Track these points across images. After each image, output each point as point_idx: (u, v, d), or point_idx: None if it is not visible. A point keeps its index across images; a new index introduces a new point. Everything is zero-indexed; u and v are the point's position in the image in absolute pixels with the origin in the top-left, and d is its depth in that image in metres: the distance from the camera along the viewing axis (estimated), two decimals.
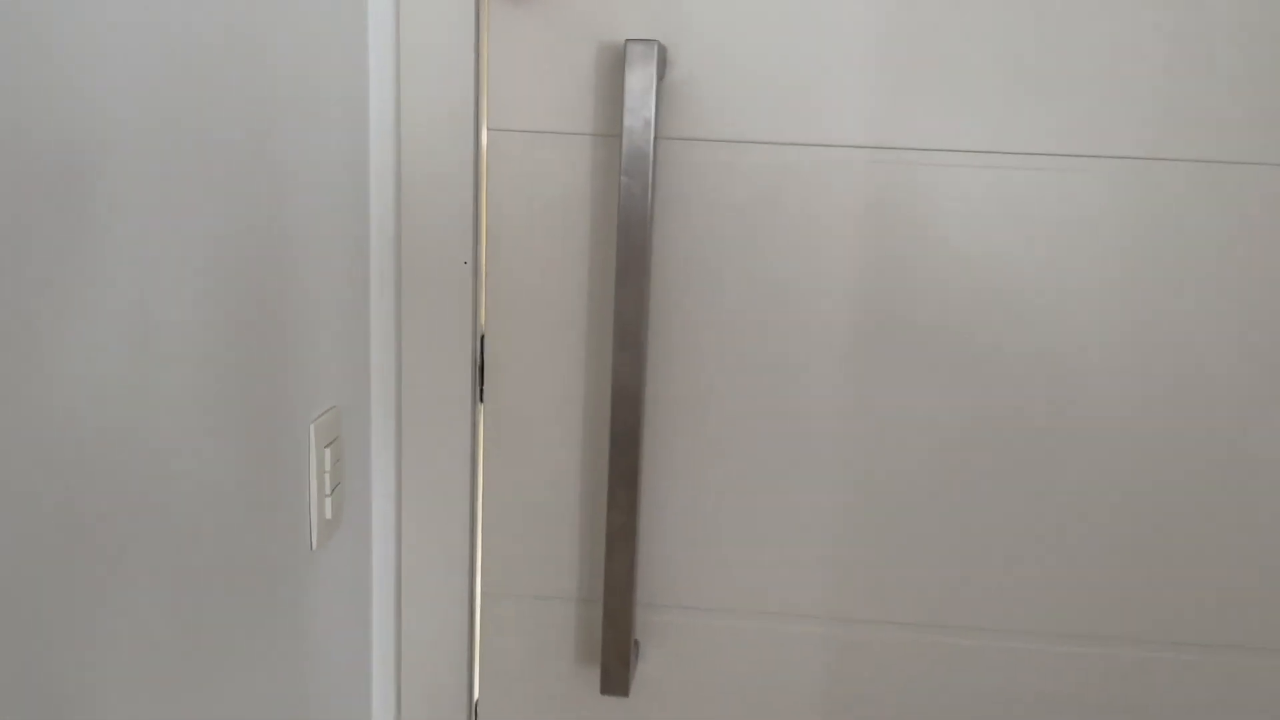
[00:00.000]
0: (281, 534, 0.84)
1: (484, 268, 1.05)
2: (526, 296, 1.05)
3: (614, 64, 1.00)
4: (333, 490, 0.93)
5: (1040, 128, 0.98)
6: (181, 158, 0.65)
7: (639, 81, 0.94)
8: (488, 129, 1.02)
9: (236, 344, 0.74)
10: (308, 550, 0.90)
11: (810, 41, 0.98)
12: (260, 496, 0.80)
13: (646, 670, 1.13)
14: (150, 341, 0.62)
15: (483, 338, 1.07)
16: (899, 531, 1.07)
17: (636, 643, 1.11)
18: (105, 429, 0.58)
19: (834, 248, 1.02)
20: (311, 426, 0.89)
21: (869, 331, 1.03)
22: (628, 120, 0.95)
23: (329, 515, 0.93)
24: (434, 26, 0.99)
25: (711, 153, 1.01)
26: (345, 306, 0.97)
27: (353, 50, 0.95)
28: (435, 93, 1.00)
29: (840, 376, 1.04)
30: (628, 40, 0.94)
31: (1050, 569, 1.07)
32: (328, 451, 0.91)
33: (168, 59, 0.62)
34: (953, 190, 1.00)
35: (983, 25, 0.97)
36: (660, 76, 0.96)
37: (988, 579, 1.07)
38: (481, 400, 1.09)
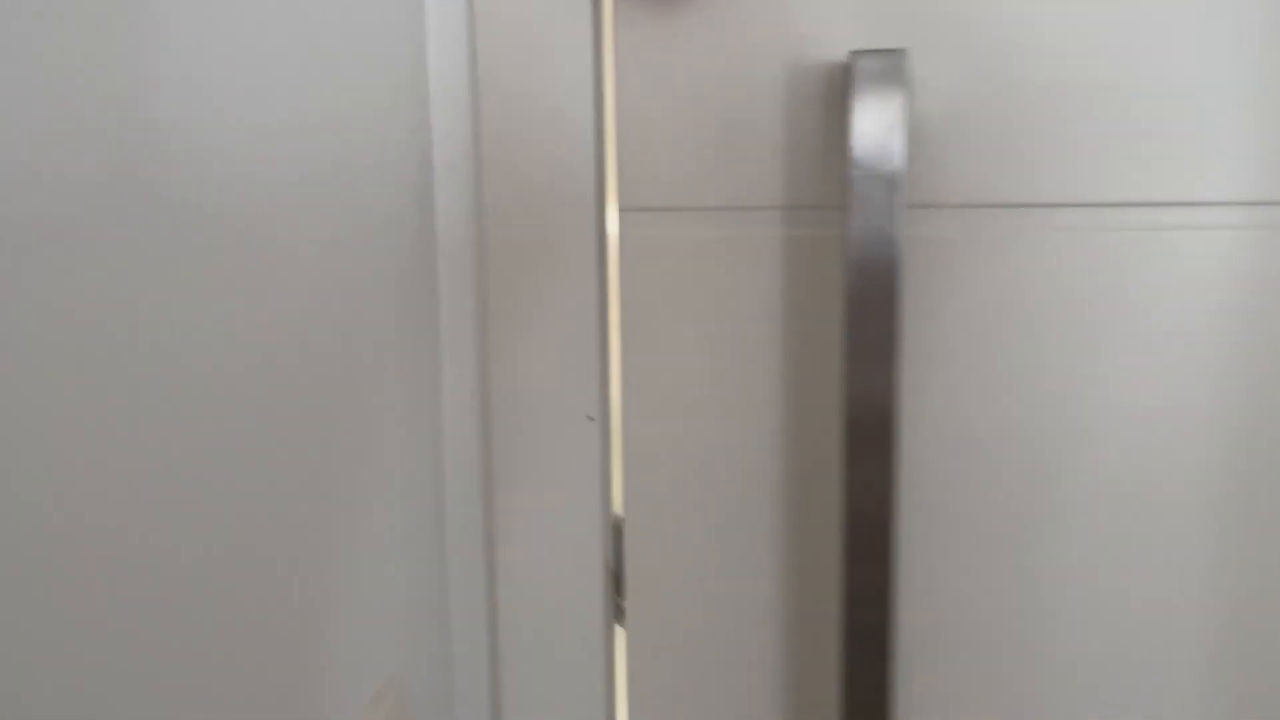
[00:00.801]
0: None
1: (617, 423, 0.68)
2: (684, 464, 0.67)
3: (821, 93, 0.62)
4: None
5: None
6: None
7: (877, 118, 0.57)
8: (618, 209, 0.65)
9: (223, 581, 0.37)
10: None
11: (1143, 47, 0.60)
12: None
13: None
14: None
15: (619, 528, 0.69)
16: None
17: None
18: None
19: (1193, 356, 0.62)
20: None
21: (1247, 498, 0.63)
22: (858, 183, 0.57)
23: None
24: (528, 61, 0.62)
25: (986, 223, 0.62)
26: (406, 509, 0.60)
27: (406, 94, 0.59)
28: (533, 157, 0.63)
29: (1206, 562, 0.64)
30: (855, 54, 0.57)
31: None
32: None
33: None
34: None
35: None
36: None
37: None
38: (620, 622, 0.70)
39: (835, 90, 0.61)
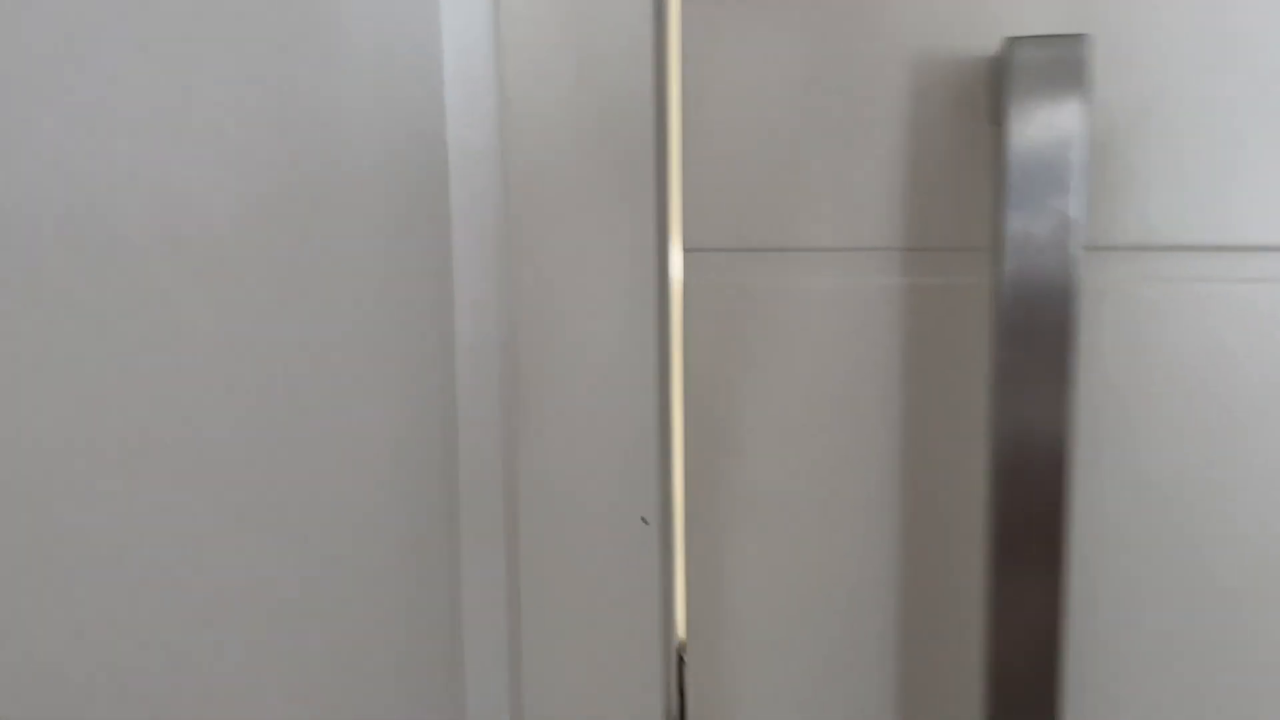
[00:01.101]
0: None
1: (680, 529, 0.53)
2: (766, 579, 0.52)
3: (961, 97, 0.47)
4: None
5: None
6: None
7: (1045, 129, 0.42)
8: (683, 249, 0.51)
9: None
10: None
11: None
12: None
13: None
14: None
15: (681, 654, 0.54)
16: None
17: None
18: None
19: None
20: None
21: None
22: (1016, 218, 0.42)
23: None
24: (568, 57, 0.48)
25: (1177, 270, 0.47)
26: (413, 637, 0.45)
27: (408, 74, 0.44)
28: (574, 182, 0.49)
29: None
30: (1014, 41, 0.42)
31: None
32: None
33: None
34: None
35: None
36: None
37: None
38: None
39: (982, 93, 0.46)
